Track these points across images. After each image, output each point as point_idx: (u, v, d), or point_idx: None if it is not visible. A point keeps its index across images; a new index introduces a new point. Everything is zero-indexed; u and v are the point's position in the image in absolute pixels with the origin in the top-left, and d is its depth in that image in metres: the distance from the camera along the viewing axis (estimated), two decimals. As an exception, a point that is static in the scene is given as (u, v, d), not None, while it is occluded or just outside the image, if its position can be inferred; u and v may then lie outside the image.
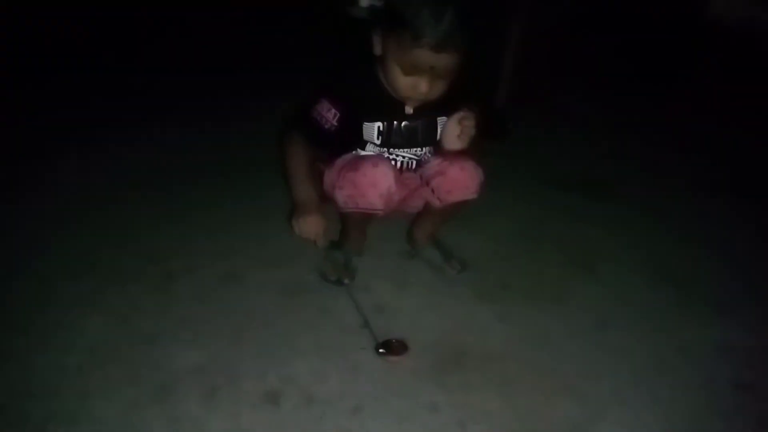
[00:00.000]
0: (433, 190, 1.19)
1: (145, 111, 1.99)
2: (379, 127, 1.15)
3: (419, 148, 1.19)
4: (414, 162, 1.22)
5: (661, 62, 3.06)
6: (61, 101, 2.02)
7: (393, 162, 1.18)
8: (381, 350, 1.03)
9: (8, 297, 1.07)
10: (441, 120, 1.17)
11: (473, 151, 1.18)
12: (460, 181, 1.15)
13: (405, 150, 1.19)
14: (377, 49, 1.08)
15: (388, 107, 1.13)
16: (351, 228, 1.23)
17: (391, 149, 1.18)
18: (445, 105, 1.13)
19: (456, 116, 1.13)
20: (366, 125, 1.15)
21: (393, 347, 1.03)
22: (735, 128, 2.34)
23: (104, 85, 2.18)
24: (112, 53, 2.46)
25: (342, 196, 1.14)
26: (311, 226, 1.13)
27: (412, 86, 1.06)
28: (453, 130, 1.13)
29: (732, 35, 3.10)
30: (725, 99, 2.63)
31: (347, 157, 1.18)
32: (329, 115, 1.13)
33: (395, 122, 1.15)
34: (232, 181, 1.56)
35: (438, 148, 1.20)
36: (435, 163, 1.18)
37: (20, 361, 0.93)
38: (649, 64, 3.02)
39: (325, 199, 1.20)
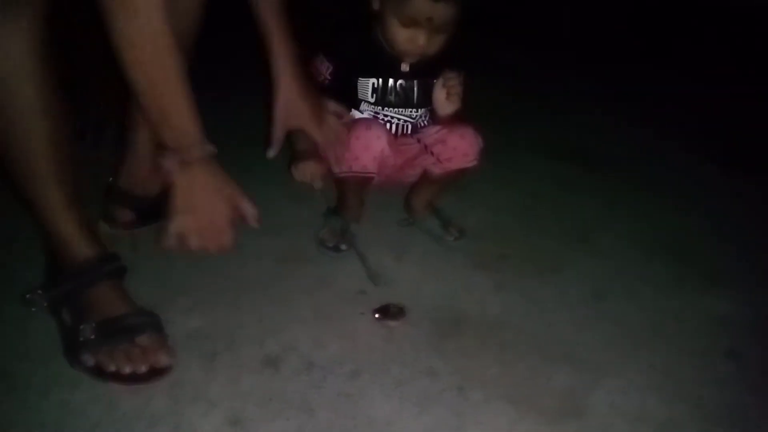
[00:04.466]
0: (435, 158, 1.19)
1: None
2: (373, 83, 1.15)
3: (414, 110, 1.19)
4: (409, 126, 1.21)
5: (658, 34, 3.04)
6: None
7: (387, 124, 1.18)
8: (378, 315, 1.04)
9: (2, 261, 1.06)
10: (437, 82, 1.17)
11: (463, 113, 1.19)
12: (460, 149, 1.16)
13: (400, 110, 1.18)
14: (375, 5, 1.08)
15: (383, 64, 1.14)
16: (347, 194, 1.23)
17: (386, 109, 1.18)
18: (441, 67, 1.13)
19: (440, 81, 1.13)
20: (360, 81, 1.15)
21: (390, 312, 1.04)
22: (733, 101, 2.33)
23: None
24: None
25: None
26: (307, 170, 1.15)
27: (410, 39, 1.06)
28: (441, 95, 1.15)
29: (730, 9, 3.07)
30: (723, 71, 2.63)
31: (342, 121, 1.18)
32: (322, 68, 1.15)
33: (390, 80, 1.15)
34: (227, 151, 1.54)
35: (435, 115, 1.21)
36: (434, 131, 1.18)
37: (18, 326, 0.93)
38: (645, 37, 3.00)
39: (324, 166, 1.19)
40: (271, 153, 1.10)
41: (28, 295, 0.91)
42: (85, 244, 0.90)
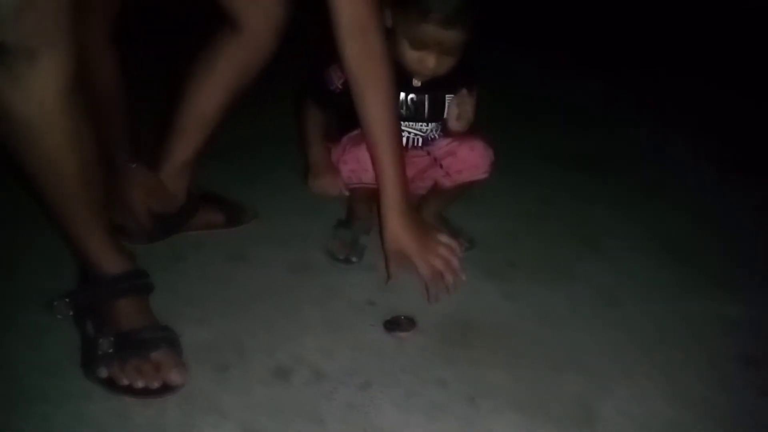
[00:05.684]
0: (445, 171, 1.19)
1: (146, 87, 1.98)
2: None
3: (425, 124, 1.20)
4: (420, 139, 1.22)
5: (661, 37, 3.04)
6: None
7: None
8: (389, 326, 1.04)
9: (16, 274, 1.08)
10: (449, 97, 1.18)
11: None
12: (469, 161, 1.16)
13: (410, 124, 1.19)
14: (388, 22, 1.08)
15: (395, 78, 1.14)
16: (357, 205, 1.23)
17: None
18: (453, 82, 1.14)
19: (456, 99, 1.14)
20: None
21: (401, 323, 1.04)
22: (739, 103, 2.32)
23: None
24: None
25: (346, 171, 1.15)
26: (324, 186, 1.20)
27: (420, 61, 1.07)
28: (453, 112, 1.15)
29: (755, 18, 3.06)
30: (733, 74, 2.61)
31: (353, 134, 1.19)
32: (335, 77, 1.16)
33: (402, 94, 1.16)
34: (236, 160, 1.56)
35: (445, 128, 1.21)
36: (445, 143, 1.19)
37: (34, 337, 0.94)
38: (653, 39, 3.00)
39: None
40: (392, 280, 1.09)
41: (55, 302, 0.93)
42: (113, 261, 0.92)
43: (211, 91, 1.11)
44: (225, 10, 1.05)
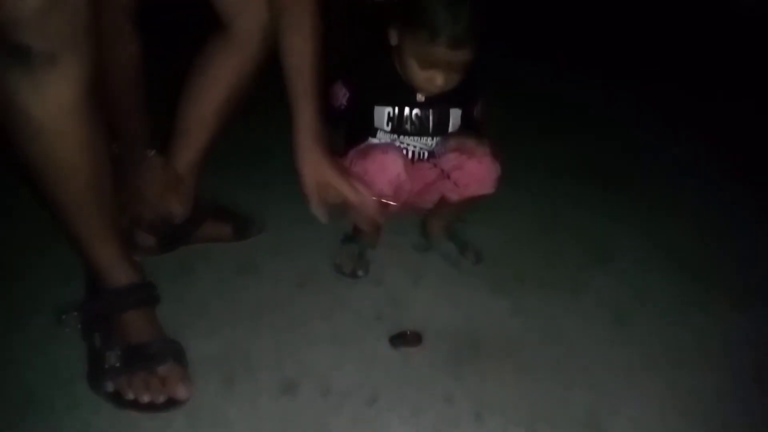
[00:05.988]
0: (453, 183, 1.19)
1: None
2: (389, 112, 1.16)
3: (430, 138, 1.20)
4: (426, 153, 1.22)
5: (671, 50, 3.04)
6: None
7: (404, 152, 1.19)
8: (396, 341, 1.04)
9: (23, 282, 1.08)
10: (453, 111, 1.18)
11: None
12: (476, 175, 1.16)
13: (416, 139, 1.20)
14: (393, 40, 1.09)
15: (399, 93, 1.15)
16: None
17: (402, 137, 1.19)
18: (457, 96, 1.14)
19: (454, 141, 1.16)
20: (377, 109, 1.17)
21: (408, 338, 1.04)
22: (750, 117, 2.31)
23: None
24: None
25: None
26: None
27: (428, 79, 1.08)
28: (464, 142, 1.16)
29: (754, 26, 3.05)
30: (728, 78, 2.61)
31: (360, 147, 1.20)
32: (340, 94, 1.17)
33: (406, 108, 1.16)
34: (244, 171, 1.57)
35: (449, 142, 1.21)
36: (452, 157, 1.19)
37: (43, 347, 0.95)
38: (649, 41, 3.00)
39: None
40: (321, 216, 1.07)
41: (63, 316, 0.93)
42: (122, 272, 0.92)
43: (210, 91, 1.11)
44: (216, 11, 1.06)
